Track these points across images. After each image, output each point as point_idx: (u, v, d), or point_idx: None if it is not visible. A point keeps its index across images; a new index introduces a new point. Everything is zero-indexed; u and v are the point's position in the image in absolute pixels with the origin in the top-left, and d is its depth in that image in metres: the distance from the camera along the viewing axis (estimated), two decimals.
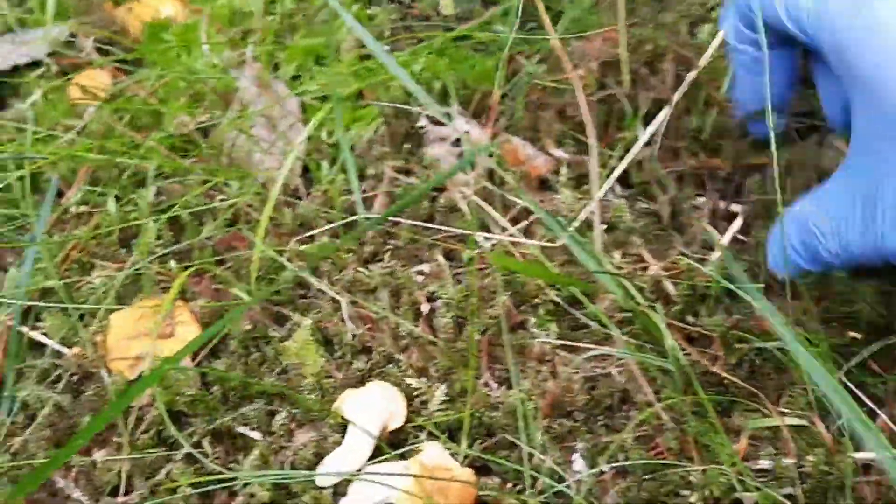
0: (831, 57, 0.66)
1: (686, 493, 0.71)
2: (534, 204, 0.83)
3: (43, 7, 1.15)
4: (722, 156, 0.90)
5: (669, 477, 0.71)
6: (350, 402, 0.76)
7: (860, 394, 0.72)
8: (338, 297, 0.84)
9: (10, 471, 0.77)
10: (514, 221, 0.87)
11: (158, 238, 0.90)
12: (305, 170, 0.96)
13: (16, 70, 1.12)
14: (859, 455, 0.70)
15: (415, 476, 0.65)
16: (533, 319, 0.81)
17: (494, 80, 0.97)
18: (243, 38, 1.09)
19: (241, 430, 0.78)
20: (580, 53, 0.95)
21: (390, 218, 0.89)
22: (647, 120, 0.86)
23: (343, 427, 0.77)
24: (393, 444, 0.75)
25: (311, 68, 1.04)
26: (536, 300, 0.83)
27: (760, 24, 0.70)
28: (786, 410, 0.74)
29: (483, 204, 0.87)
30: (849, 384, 0.72)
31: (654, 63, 0.97)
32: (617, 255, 0.84)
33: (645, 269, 0.83)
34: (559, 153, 0.94)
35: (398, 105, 0.97)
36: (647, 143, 0.85)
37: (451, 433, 0.76)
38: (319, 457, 0.75)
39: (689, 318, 0.79)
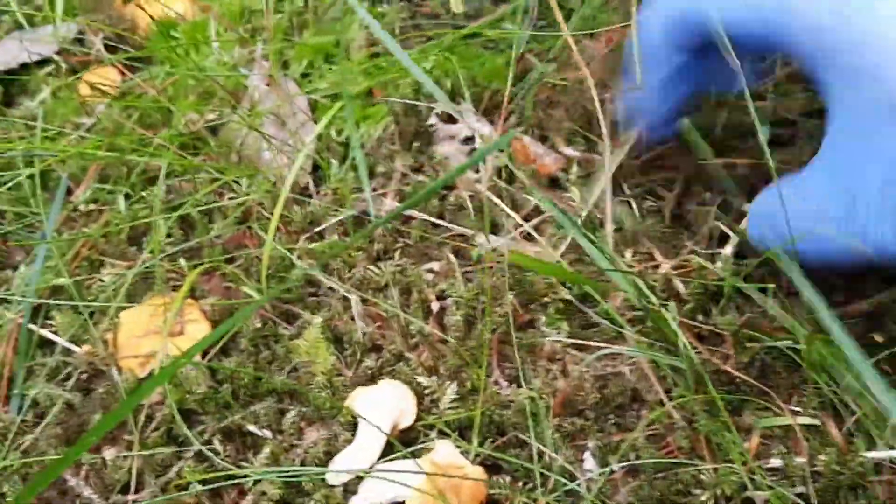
0: (811, 55, 0.65)
1: (697, 491, 0.71)
2: (546, 202, 0.83)
3: (52, 4, 1.15)
4: (734, 154, 0.90)
5: (680, 476, 0.71)
6: (361, 400, 0.76)
7: None
8: (348, 295, 0.84)
9: (21, 469, 0.77)
10: (524, 220, 0.87)
11: (168, 236, 0.91)
12: (315, 168, 0.96)
13: (25, 68, 1.12)
14: (872, 454, 0.70)
15: (426, 474, 0.65)
16: (543, 318, 0.81)
17: (504, 79, 0.97)
18: (252, 36, 1.08)
19: (252, 428, 0.78)
20: (591, 51, 0.95)
21: (400, 214, 0.89)
22: None
23: (354, 425, 0.77)
24: (403, 442, 0.75)
25: (320, 66, 1.04)
26: (546, 299, 0.82)
27: (722, 31, 0.70)
28: (797, 409, 0.74)
29: (495, 200, 0.87)
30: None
31: None
32: (628, 253, 0.84)
33: (656, 267, 0.83)
34: (569, 151, 0.93)
35: (410, 101, 0.97)
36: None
37: (462, 432, 0.76)
38: (330, 455, 0.75)
39: (700, 317, 0.79)
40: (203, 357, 0.82)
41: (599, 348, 0.78)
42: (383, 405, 0.75)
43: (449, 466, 0.71)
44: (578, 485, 0.71)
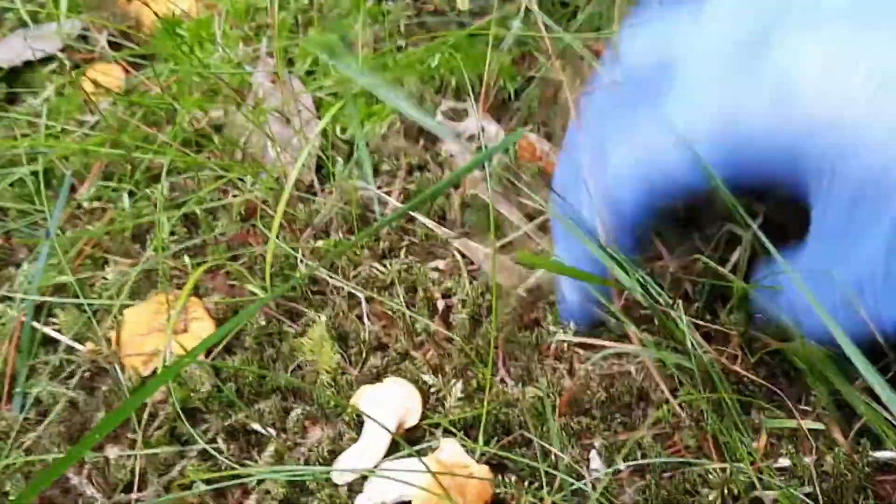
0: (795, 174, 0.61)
1: (705, 491, 0.70)
2: (549, 203, 0.82)
3: (56, 1, 1.15)
4: None
5: (688, 475, 0.71)
6: (366, 399, 0.76)
7: None
8: (353, 293, 0.84)
9: (24, 467, 0.77)
10: (530, 218, 0.87)
11: (172, 234, 0.90)
12: (319, 167, 0.95)
13: (28, 65, 1.11)
14: (879, 454, 0.70)
15: (432, 473, 0.65)
16: (550, 317, 0.81)
17: (510, 76, 0.97)
18: (257, 34, 1.08)
19: (256, 427, 0.78)
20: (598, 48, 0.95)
21: (406, 218, 0.89)
22: None
23: (359, 424, 0.76)
24: (409, 441, 0.75)
25: (325, 64, 1.04)
26: (553, 297, 0.82)
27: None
28: (806, 409, 0.73)
29: (501, 200, 0.87)
30: None
31: None
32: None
33: (664, 267, 0.83)
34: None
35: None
36: None
37: (467, 431, 0.76)
38: (335, 454, 0.75)
39: (708, 317, 0.78)
40: (207, 355, 0.82)
41: (606, 347, 0.77)
42: (389, 403, 0.75)
43: (454, 465, 0.71)
44: (585, 484, 0.71)
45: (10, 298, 0.88)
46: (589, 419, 0.75)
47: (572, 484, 0.70)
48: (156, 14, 0.95)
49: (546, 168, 0.91)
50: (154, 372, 0.81)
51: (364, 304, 0.83)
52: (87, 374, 0.83)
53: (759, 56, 0.60)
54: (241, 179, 0.93)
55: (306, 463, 0.75)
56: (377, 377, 0.79)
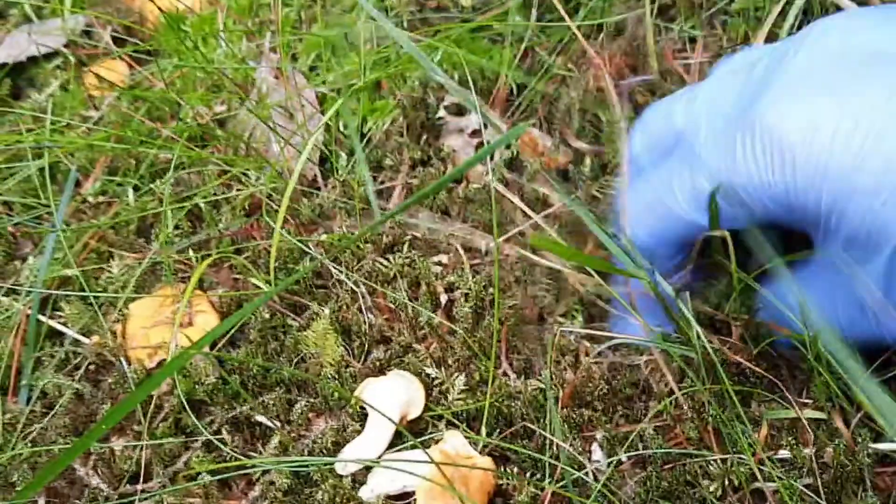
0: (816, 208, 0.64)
1: (706, 482, 0.71)
2: (562, 192, 0.83)
3: None
4: None
5: (689, 467, 0.71)
6: (370, 391, 0.76)
7: None
8: (356, 287, 0.84)
9: (30, 458, 0.77)
10: (533, 212, 0.87)
11: (177, 228, 0.91)
12: (322, 161, 0.96)
13: (33, 61, 1.12)
14: (879, 446, 0.70)
15: (436, 463, 0.65)
16: (554, 310, 0.81)
17: (512, 71, 0.98)
18: (261, 29, 1.09)
19: (260, 418, 0.78)
20: (601, 43, 0.95)
21: (409, 213, 0.89)
22: None
23: (362, 416, 0.77)
24: (412, 433, 0.75)
25: (328, 59, 1.04)
26: (553, 293, 0.83)
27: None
28: (807, 402, 0.74)
29: (505, 192, 0.87)
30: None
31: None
32: None
33: None
34: (579, 144, 0.93)
35: (422, 89, 0.97)
36: None
37: (470, 423, 0.76)
38: (339, 445, 0.76)
39: (713, 308, 0.79)
40: (212, 348, 0.82)
41: (610, 338, 0.78)
42: (392, 396, 0.75)
43: (458, 456, 0.71)
44: (586, 475, 0.71)
45: (15, 292, 0.88)
46: (591, 411, 0.76)
47: (574, 475, 0.71)
48: (160, 9, 0.95)
49: (547, 164, 0.91)
50: (159, 364, 0.82)
51: (368, 297, 0.84)
52: (92, 367, 0.84)
53: (748, 122, 0.64)
54: (244, 174, 0.94)
55: (310, 454, 0.76)
56: (380, 370, 0.80)
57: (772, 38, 0.92)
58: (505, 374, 0.79)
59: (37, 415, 0.81)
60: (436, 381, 0.78)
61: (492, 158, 0.91)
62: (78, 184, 0.97)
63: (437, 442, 0.74)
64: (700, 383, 0.73)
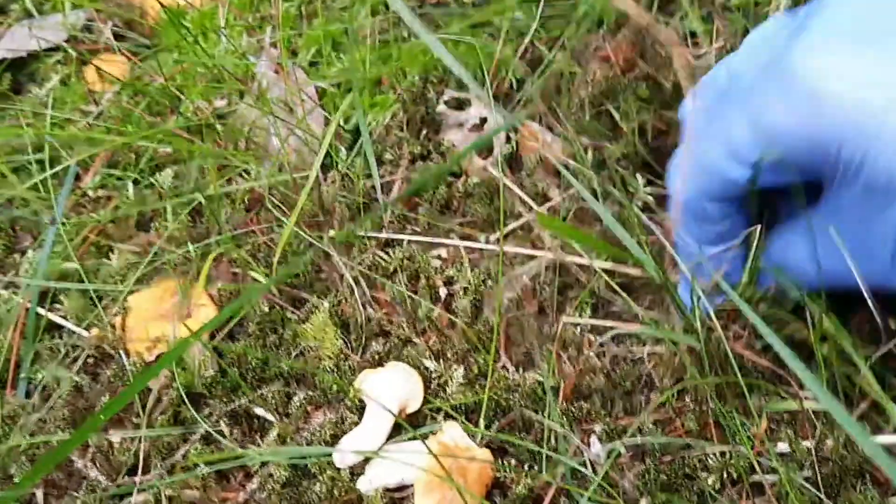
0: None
1: (704, 475, 0.70)
2: (576, 178, 0.83)
3: None
4: None
5: (688, 459, 0.71)
6: (369, 382, 0.76)
7: None
8: (356, 280, 0.84)
9: (28, 450, 0.77)
10: (533, 204, 0.87)
11: (176, 222, 0.91)
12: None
13: (33, 55, 1.12)
14: (878, 438, 0.70)
15: (434, 455, 0.65)
16: (550, 303, 0.81)
17: (513, 67, 0.97)
18: (261, 25, 1.09)
19: (259, 411, 0.78)
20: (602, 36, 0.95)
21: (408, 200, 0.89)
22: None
23: (361, 409, 0.77)
24: (410, 425, 0.75)
25: (329, 54, 1.04)
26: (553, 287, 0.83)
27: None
28: (808, 395, 0.74)
29: (507, 182, 0.87)
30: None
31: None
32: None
33: None
34: (580, 138, 0.93)
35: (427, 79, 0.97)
36: None
37: (469, 415, 0.76)
38: (337, 438, 0.75)
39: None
40: (210, 340, 0.82)
41: (611, 328, 0.78)
42: (391, 388, 0.75)
43: (456, 449, 0.71)
44: (584, 467, 0.71)
45: (15, 285, 0.88)
46: (590, 404, 0.76)
47: (572, 468, 0.71)
48: (161, 4, 0.95)
49: (547, 157, 0.91)
50: (158, 357, 0.81)
51: (367, 291, 0.84)
52: (91, 360, 0.83)
53: (780, 67, 0.64)
54: (245, 169, 0.93)
55: (308, 447, 0.76)
56: (379, 363, 0.79)
57: None
58: (504, 367, 0.79)
59: (36, 408, 0.81)
60: (434, 374, 0.78)
61: (491, 152, 0.91)
62: (78, 178, 0.97)
63: (435, 434, 0.74)
64: (703, 376, 0.72)
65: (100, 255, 0.90)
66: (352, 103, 0.94)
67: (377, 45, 1.02)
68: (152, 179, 0.94)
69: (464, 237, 0.87)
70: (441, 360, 0.79)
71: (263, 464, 0.75)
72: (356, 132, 0.96)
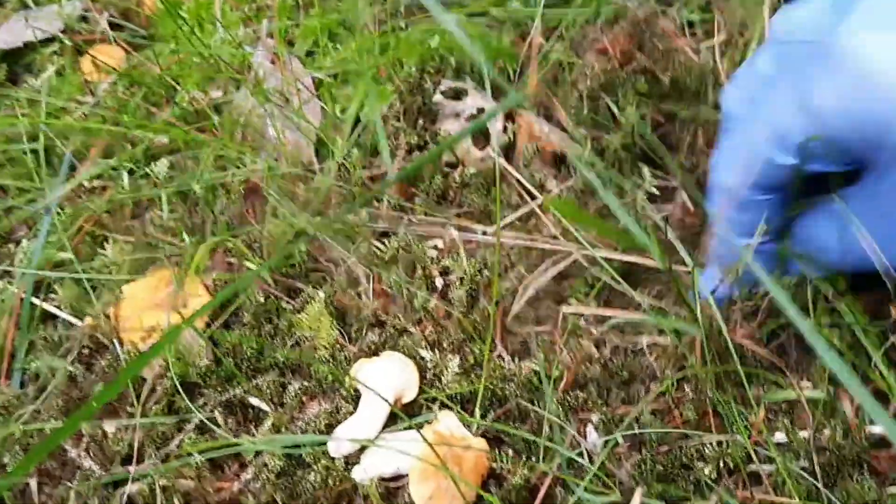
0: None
1: (700, 465, 0.70)
2: (583, 164, 0.83)
3: None
4: None
5: (685, 449, 0.71)
6: (365, 372, 0.76)
7: None
8: (352, 270, 0.84)
9: (22, 439, 0.77)
10: (531, 196, 0.87)
11: (171, 211, 0.90)
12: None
13: (29, 46, 1.11)
14: (875, 429, 0.70)
15: (429, 444, 0.65)
16: (547, 292, 0.81)
17: (510, 57, 0.97)
18: (258, 15, 1.08)
19: (254, 401, 0.78)
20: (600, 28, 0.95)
21: (406, 197, 0.89)
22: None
23: (356, 399, 0.76)
24: (406, 415, 0.75)
25: (325, 45, 1.04)
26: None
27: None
28: (808, 386, 0.73)
29: (508, 167, 0.87)
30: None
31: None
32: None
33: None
34: (577, 129, 0.93)
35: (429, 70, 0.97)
36: None
37: (464, 405, 0.76)
38: (332, 428, 0.75)
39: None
40: (206, 330, 0.82)
41: (610, 317, 0.77)
42: (386, 378, 0.75)
43: (452, 438, 0.71)
44: (581, 457, 0.71)
45: (9, 275, 0.88)
46: (587, 394, 0.75)
47: (569, 457, 0.70)
48: None
49: (544, 148, 0.91)
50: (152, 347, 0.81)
51: (363, 280, 0.83)
52: (86, 350, 0.83)
53: (828, 50, 0.63)
54: (240, 159, 0.93)
55: (303, 436, 0.75)
56: (375, 353, 0.79)
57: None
58: (500, 356, 0.78)
59: (30, 398, 0.80)
60: (430, 364, 0.77)
61: (488, 142, 0.91)
62: (73, 168, 0.97)
63: (430, 423, 0.73)
64: (700, 367, 0.72)
65: (94, 245, 0.90)
66: (351, 94, 0.94)
67: (376, 35, 1.01)
68: (148, 169, 0.94)
69: (460, 228, 0.87)
70: (437, 350, 0.78)
71: (258, 453, 0.75)
72: (354, 123, 0.95)
